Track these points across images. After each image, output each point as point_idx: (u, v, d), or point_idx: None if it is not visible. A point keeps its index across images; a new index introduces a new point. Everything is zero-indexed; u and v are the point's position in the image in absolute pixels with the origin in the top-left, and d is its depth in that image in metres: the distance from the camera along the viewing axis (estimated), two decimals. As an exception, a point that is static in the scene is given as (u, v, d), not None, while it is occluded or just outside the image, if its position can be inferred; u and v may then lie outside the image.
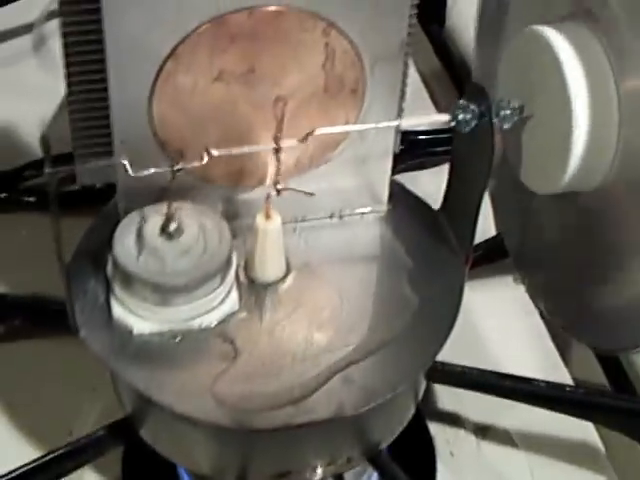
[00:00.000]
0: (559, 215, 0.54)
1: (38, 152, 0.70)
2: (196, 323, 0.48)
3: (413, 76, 0.77)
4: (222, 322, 0.49)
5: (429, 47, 0.80)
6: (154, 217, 0.47)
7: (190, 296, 0.47)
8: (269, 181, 0.49)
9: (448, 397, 0.61)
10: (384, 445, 0.52)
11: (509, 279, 0.64)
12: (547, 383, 0.55)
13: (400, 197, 0.54)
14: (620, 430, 0.56)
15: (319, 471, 0.50)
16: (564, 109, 0.48)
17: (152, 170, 0.46)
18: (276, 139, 0.48)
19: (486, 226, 0.62)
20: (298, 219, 0.53)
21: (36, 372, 0.59)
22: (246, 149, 0.48)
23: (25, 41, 0.71)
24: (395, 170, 0.68)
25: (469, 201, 0.50)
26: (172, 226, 0.47)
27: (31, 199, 0.64)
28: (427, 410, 0.60)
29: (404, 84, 0.51)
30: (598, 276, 0.52)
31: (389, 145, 0.52)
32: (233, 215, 0.51)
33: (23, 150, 0.64)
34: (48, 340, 0.58)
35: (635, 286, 0.50)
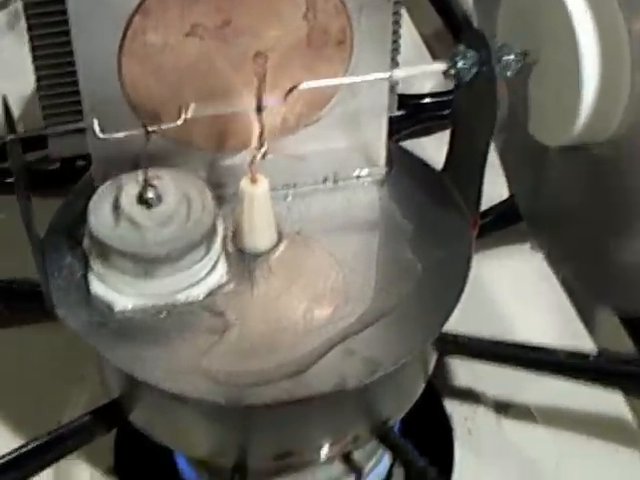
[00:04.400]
0: (572, 171, 0.50)
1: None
2: (181, 297, 0.45)
3: (414, 37, 0.75)
4: (210, 295, 0.45)
5: (430, 7, 0.76)
6: (131, 185, 0.44)
7: (173, 267, 0.44)
8: (254, 143, 0.45)
9: (465, 373, 0.57)
10: (393, 422, 0.48)
11: (526, 246, 0.61)
12: (567, 351, 0.51)
13: (399, 159, 0.51)
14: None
15: (324, 451, 0.47)
16: (571, 53, 0.44)
17: (123, 134, 0.42)
18: (258, 98, 0.44)
19: (498, 189, 0.59)
20: (289, 185, 0.49)
21: (21, 361, 0.56)
22: (224, 109, 0.44)
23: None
24: (400, 136, 0.65)
25: (474, 158, 0.47)
26: (150, 193, 0.44)
27: (8, 180, 0.61)
28: (443, 387, 0.56)
29: (397, 34, 0.47)
30: (617, 234, 0.48)
31: (383, 101, 0.48)
32: (218, 183, 0.48)
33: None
34: (33, 328, 0.55)
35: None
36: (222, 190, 0.48)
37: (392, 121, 0.50)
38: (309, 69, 0.46)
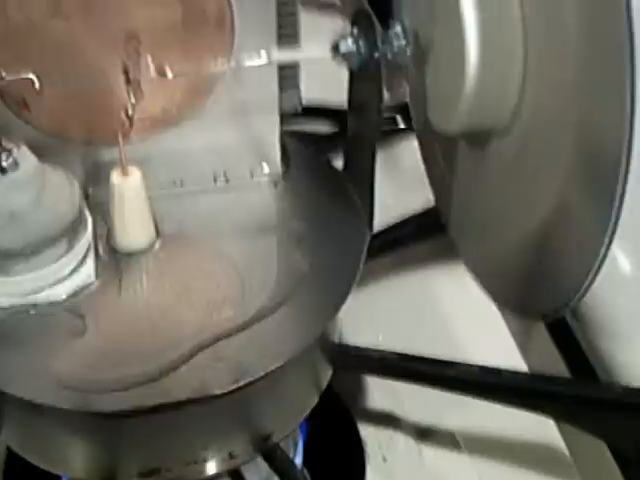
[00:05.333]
0: (476, 169, 0.46)
1: None
2: (42, 296, 0.41)
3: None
4: (74, 296, 0.42)
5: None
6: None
7: (31, 264, 0.41)
8: (121, 129, 0.42)
9: (384, 395, 0.53)
10: (276, 440, 0.44)
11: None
12: (484, 367, 0.47)
13: (297, 157, 0.47)
14: (575, 423, 0.47)
15: (199, 468, 0.43)
16: (457, 30, 0.41)
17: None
18: (127, 76, 0.41)
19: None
20: (176, 183, 0.46)
21: None
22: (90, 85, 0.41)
23: None
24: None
25: (366, 152, 0.43)
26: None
27: None
28: (358, 410, 0.52)
29: (290, 17, 0.44)
30: (519, 234, 0.44)
31: (273, 92, 0.45)
32: (96, 180, 0.45)
33: None
34: None
35: (555, 241, 0.42)
36: (100, 188, 0.44)
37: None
38: (187, 52, 0.43)
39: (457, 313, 0.57)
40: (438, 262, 0.58)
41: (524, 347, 0.55)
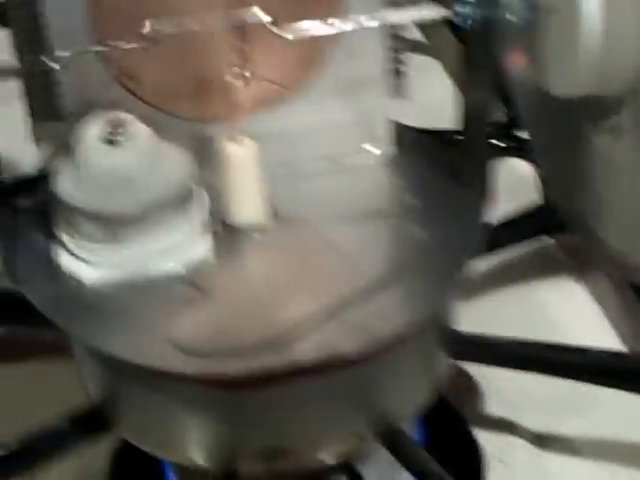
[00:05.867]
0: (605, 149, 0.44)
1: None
2: (156, 268, 0.40)
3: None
4: (188, 268, 0.40)
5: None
6: (96, 137, 0.40)
7: (142, 231, 0.40)
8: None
9: (498, 402, 0.51)
10: (398, 423, 0.42)
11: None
12: (602, 351, 0.45)
13: (406, 136, 0.46)
14: None
15: (319, 452, 0.41)
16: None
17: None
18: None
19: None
20: (287, 163, 0.45)
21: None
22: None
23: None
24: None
25: (479, 118, 0.43)
26: (115, 141, 0.39)
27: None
28: (475, 417, 0.50)
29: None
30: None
31: (380, 67, 0.44)
32: (207, 158, 0.43)
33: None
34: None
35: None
36: (212, 165, 0.43)
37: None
38: (299, 19, 0.42)
39: (565, 316, 0.55)
40: (544, 265, 0.57)
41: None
